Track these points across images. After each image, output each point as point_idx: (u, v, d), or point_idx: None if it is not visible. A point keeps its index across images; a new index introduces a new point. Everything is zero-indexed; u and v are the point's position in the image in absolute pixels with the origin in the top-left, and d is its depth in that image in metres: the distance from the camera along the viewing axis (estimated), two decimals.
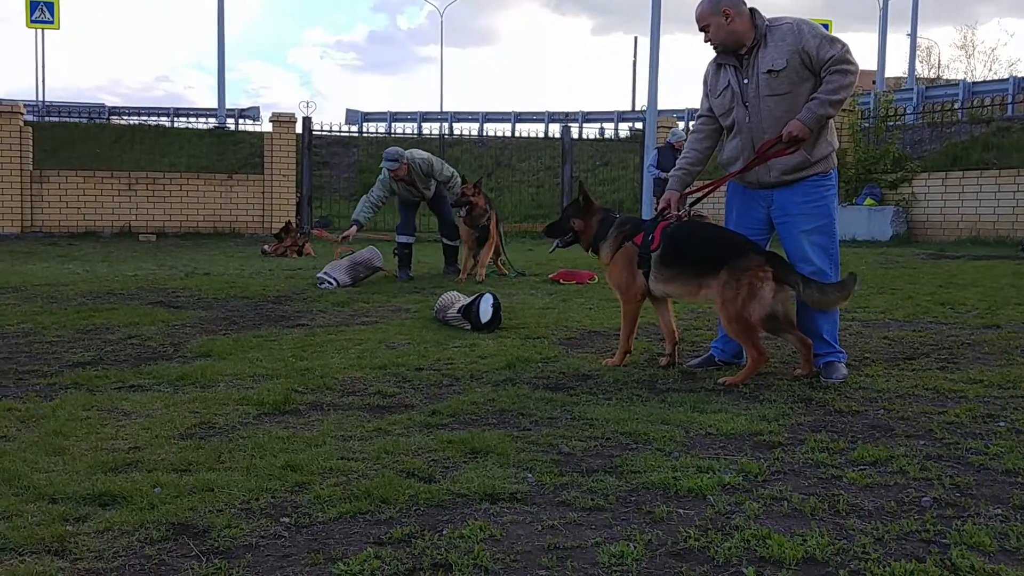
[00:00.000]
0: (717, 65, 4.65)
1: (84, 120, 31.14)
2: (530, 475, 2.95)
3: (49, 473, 2.96)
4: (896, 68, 49.20)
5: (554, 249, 5.19)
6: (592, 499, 2.72)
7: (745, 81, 4.50)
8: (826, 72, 4.35)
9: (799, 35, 4.38)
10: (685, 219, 4.75)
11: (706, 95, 4.75)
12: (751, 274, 4.31)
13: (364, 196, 9.75)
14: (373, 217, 9.79)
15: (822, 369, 4.51)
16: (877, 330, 5.96)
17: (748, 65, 4.49)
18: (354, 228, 9.62)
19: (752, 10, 4.49)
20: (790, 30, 4.41)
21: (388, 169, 9.36)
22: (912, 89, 28.41)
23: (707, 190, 4.90)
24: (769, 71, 4.40)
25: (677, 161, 4.90)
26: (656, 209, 4.88)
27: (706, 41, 4.56)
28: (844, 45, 4.37)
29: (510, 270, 10.12)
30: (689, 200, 4.94)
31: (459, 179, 9.71)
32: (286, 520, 2.57)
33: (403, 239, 9.64)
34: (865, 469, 3.00)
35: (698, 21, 4.55)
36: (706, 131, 4.79)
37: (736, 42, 4.48)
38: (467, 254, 9.51)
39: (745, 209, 4.72)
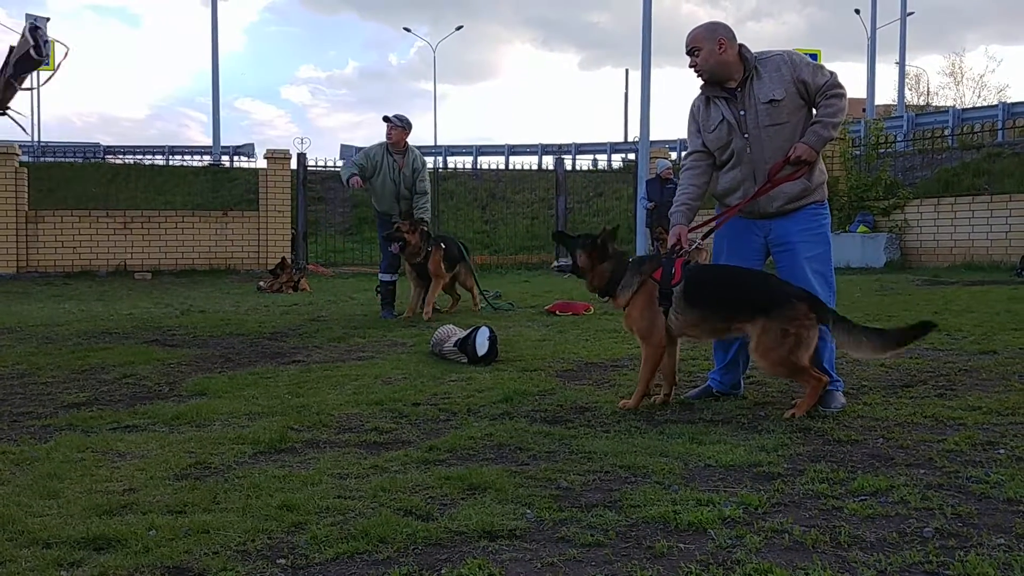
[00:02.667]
0: (706, 99, 4.67)
1: (79, 159, 31.25)
2: (529, 511, 2.92)
3: (43, 517, 2.92)
4: (885, 96, 49.60)
5: (556, 267, 5.03)
6: (592, 535, 2.70)
7: (742, 112, 4.53)
8: (822, 98, 4.44)
9: (794, 66, 4.47)
10: (696, 250, 4.72)
11: (696, 132, 4.75)
12: (798, 323, 4.18)
13: (344, 168, 9.38)
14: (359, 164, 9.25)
15: (820, 398, 4.49)
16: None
17: (743, 96, 4.52)
18: (356, 179, 9.11)
19: (740, 45, 4.54)
20: (783, 61, 4.49)
21: (393, 123, 9.11)
22: (902, 117, 28.65)
23: (720, 220, 4.74)
24: (771, 101, 4.45)
25: (675, 197, 4.82)
26: (666, 245, 4.78)
27: (691, 66, 4.58)
28: (833, 72, 4.51)
29: (483, 303, 10.04)
30: (700, 233, 4.84)
31: (428, 206, 9.47)
32: (282, 562, 2.54)
33: (385, 278, 9.43)
34: (866, 499, 2.98)
35: (689, 43, 4.56)
36: (700, 167, 4.75)
37: (722, 73, 4.52)
38: (413, 293, 9.27)
39: (740, 239, 4.73)
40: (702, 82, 4.63)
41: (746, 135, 4.54)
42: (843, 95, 4.47)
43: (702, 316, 4.42)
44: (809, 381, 4.25)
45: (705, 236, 4.85)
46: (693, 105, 4.77)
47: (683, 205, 4.74)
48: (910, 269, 16.09)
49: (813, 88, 4.44)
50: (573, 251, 4.73)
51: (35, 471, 3.49)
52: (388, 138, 9.17)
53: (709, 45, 4.49)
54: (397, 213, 9.27)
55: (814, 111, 4.53)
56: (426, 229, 9.05)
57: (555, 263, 5.01)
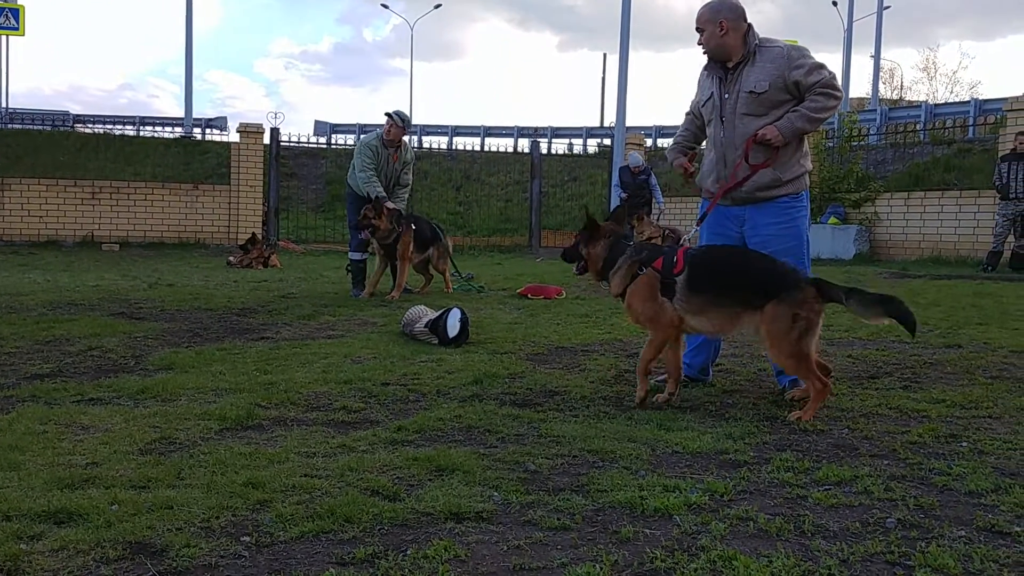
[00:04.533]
0: (707, 73, 4.71)
1: (48, 127, 30.73)
2: (496, 493, 2.92)
3: (3, 489, 2.88)
4: (860, 89, 50.04)
5: (576, 272, 4.68)
6: (558, 518, 2.70)
7: (726, 96, 4.54)
8: (811, 92, 4.42)
9: (787, 61, 4.43)
10: (657, 230, 4.73)
11: (698, 97, 4.83)
12: (808, 307, 4.02)
13: (360, 174, 9.06)
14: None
15: (787, 387, 4.53)
16: (841, 348, 6.01)
17: (731, 80, 4.53)
18: (389, 203, 9.00)
19: (749, 26, 4.53)
20: (780, 54, 4.46)
21: (389, 117, 9.05)
22: (875, 110, 28.86)
23: (709, 207, 4.69)
24: (751, 92, 4.45)
25: (674, 138, 4.96)
26: (640, 232, 4.81)
27: (699, 43, 4.61)
28: (831, 73, 4.47)
29: (456, 284, 10.05)
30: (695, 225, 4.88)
31: (407, 197, 9.52)
32: (247, 539, 2.52)
33: (355, 256, 9.40)
34: (830, 489, 3.00)
35: (696, 22, 4.59)
36: (694, 125, 4.88)
37: (723, 55, 4.54)
38: (377, 266, 9.28)
39: (718, 228, 4.74)
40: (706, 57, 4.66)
41: (723, 119, 4.55)
42: (834, 95, 4.43)
43: (708, 301, 4.20)
44: (814, 383, 4.05)
45: (700, 221, 4.81)
46: (701, 71, 4.80)
47: (680, 144, 4.88)
48: (879, 261, 16.25)
49: (804, 87, 4.42)
50: (577, 249, 4.57)
51: None
52: (387, 133, 9.12)
53: (711, 27, 4.50)
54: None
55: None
56: (393, 207, 8.99)
57: (575, 267, 4.73)
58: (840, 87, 4.51)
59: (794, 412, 4.07)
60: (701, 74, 4.79)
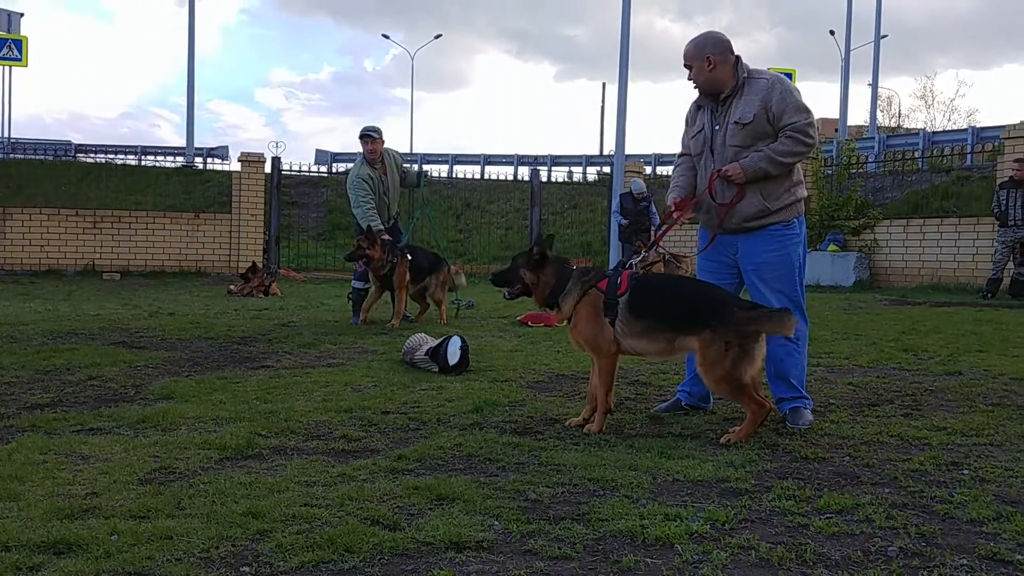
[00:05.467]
0: (697, 106, 4.73)
1: (50, 157, 30.86)
2: (496, 522, 2.91)
3: (3, 520, 2.87)
4: (858, 117, 50.32)
5: (507, 297, 4.71)
6: (559, 548, 2.69)
7: (716, 128, 4.57)
8: (783, 134, 4.41)
9: (770, 92, 4.43)
10: (660, 256, 4.75)
11: (687, 133, 4.83)
12: (741, 333, 4.08)
13: (356, 210, 9.13)
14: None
15: (788, 415, 4.53)
16: (842, 375, 6.01)
17: (722, 112, 4.55)
18: (385, 236, 9.06)
19: (737, 58, 4.55)
20: (766, 86, 4.46)
21: (368, 135, 9.09)
22: (874, 138, 28.98)
23: (707, 246, 4.74)
24: (737, 122, 4.47)
25: (672, 183, 4.89)
26: (667, 209, 4.80)
27: (689, 79, 4.63)
28: (809, 118, 4.43)
29: (451, 309, 10.03)
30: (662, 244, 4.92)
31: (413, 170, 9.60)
32: (246, 570, 2.51)
33: (358, 284, 9.40)
34: (832, 517, 3.00)
35: (684, 59, 4.60)
36: (689, 166, 4.82)
37: (713, 88, 4.55)
38: (371, 294, 9.23)
39: (713, 255, 4.76)
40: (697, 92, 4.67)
41: (713, 151, 4.58)
42: (803, 141, 4.39)
43: (648, 327, 4.27)
44: (749, 406, 4.13)
45: (657, 241, 4.88)
46: (689, 107, 4.81)
47: (679, 188, 4.80)
48: (878, 288, 16.26)
49: (778, 124, 4.41)
50: (516, 273, 4.55)
51: None
52: (370, 154, 9.15)
53: (698, 63, 4.52)
54: (386, 219, 9.30)
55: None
56: (388, 239, 9.02)
57: (505, 292, 4.75)
58: (815, 135, 4.45)
59: (724, 435, 4.15)
60: (690, 110, 4.79)
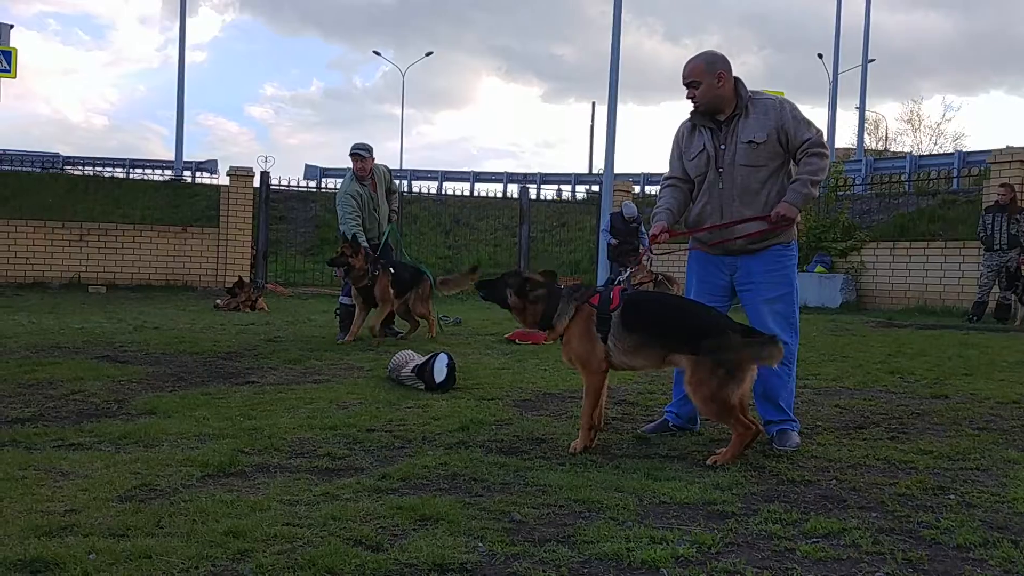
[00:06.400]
0: (692, 126, 4.70)
1: (38, 169, 30.73)
2: (481, 544, 2.88)
3: None
4: (845, 139, 50.54)
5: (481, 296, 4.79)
6: (544, 570, 2.66)
7: (722, 147, 4.55)
8: (803, 154, 4.45)
9: (781, 113, 4.47)
10: (651, 276, 4.76)
11: (678, 157, 4.77)
12: (730, 354, 4.09)
13: (345, 225, 9.13)
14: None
15: (775, 437, 4.51)
16: (828, 398, 6.00)
17: (727, 132, 4.54)
18: (366, 246, 9.07)
19: (736, 79, 4.55)
20: (773, 106, 4.50)
21: (358, 154, 9.10)
22: (861, 160, 29.16)
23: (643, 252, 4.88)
24: (750, 142, 4.47)
25: (657, 204, 4.86)
26: (647, 240, 4.87)
27: (689, 97, 4.57)
28: (818, 130, 4.53)
29: (439, 330, 9.91)
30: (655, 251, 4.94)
31: (397, 205, 9.71)
32: None
33: (346, 300, 9.35)
34: (818, 542, 2.98)
35: (687, 76, 4.53)
36: (679, 189, 4.78)
37: (717, 106, 4.53)
38: (357, 315, 9.11)
39: (707, 275, 4.75)
40: (692, 110, 4.64)
41: (720, 170, 4.57)
42: (824, 155, 4.49)
43: (640, 342, 4.27)
44: (736, 428, 4.13)
45: (640, 260, 4.92)
46: (678, 130, 4.79)
47: (666, 210, 4.76)
48: (865, 311, 16.32)
49: (794, 142, 4.45)
50: (501, 292, 4.54)
51: None
52: (361, 171, 9.17)
53: (708, 79, 4.48)
54: (375, 235, 9.31)
55: (794, 167, 4.55)
56: (370, 253, 9.00)
57: (480, 294, 4.76)
58: (826, 144, 4.56)
59: (711, 456, 4.14)
60: (680, 132, 4.75)
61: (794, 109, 4.54)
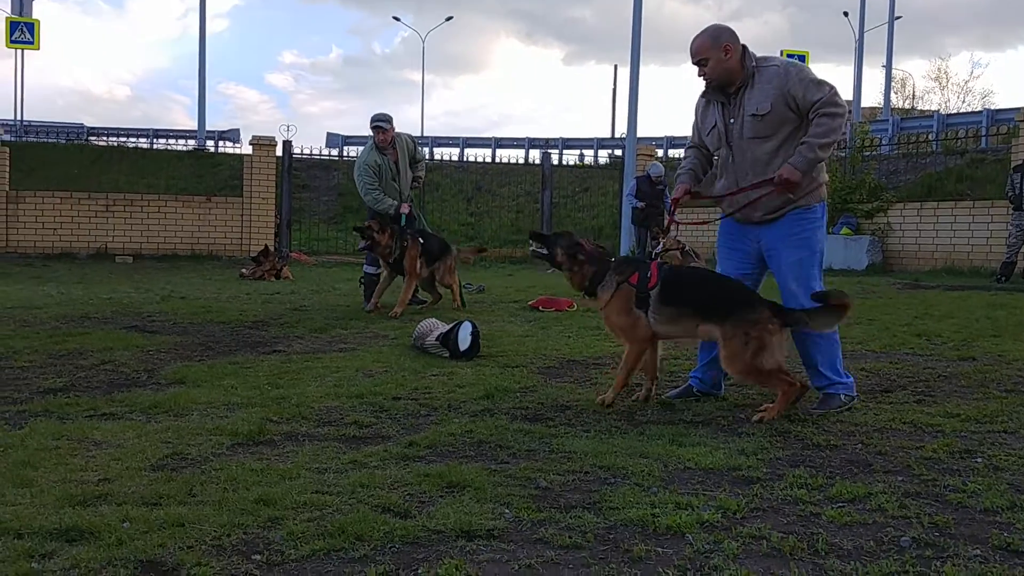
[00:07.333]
0: (707, 101, 4.66)
1: (63, 140, 30.96)
2: (507, 511, 2.91)
3: (16, 506, 2.89)
4: (871, 99, 49.78)
5: (532, 251, 5.01)
6: (570, 536, 2.69)
7: (731, 121, 4.51)
8: (814, 115, 4.34)
9: (786, 78, 4.36)
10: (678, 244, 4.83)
11: (697, 129, 4.78)
12: (760, 327, 4.24)
13: (368, 196, 9.16)
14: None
15: (821, 399, 4.51)
16: (854, 361, 5.96)
17: (735, 105, 4.49)
18: (404, 205, 9.14)
19: (743, 47, 4.48)
20: (776, 73, 4.40)
21: (379, 126, 9.08)
22: (887, 120, 28.81)
23: (669, 221, 4.89)
24: (754, 114, 4.41)
25: (681, 165, 4.89)
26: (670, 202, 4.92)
27: (700, 75, 4.52)
28: (831, 88, 4.36)
29: (462, 303, 9.65)
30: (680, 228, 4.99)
31: (422, 173, 9.64)
32: (258, 558, 2.51)
33: (370, 269, 9.38)
34: (844, 506, 2.98)
35: (695, 55, 4.48)
36: (701, 156, 4.80)
37: (728, 80, 4.47)
38: (382, 280, 9.09)
39: (735, 243, 4.74)
40: (705, 87, 4.60)
41: (731, 145, 4.53)
42: (836, 114, 4.33)
43: (677, 314, 4.46)
44: (780, 386, 4.29)
45: (668, 226, 4.97)
46: (696, 103, 4.76)
47: (688, 171, 4.81)
48: (891, 272, 16.18)
49: (804, 104, 4.34)
50: (553, 247, 4.76)
51: (8, 458, 3.44)
52: (383, 142, 9.13)
53: (716, 54, 4.42)
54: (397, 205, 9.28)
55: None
56: (400, 227, 8.93)
57: (531, 247, 5.04)
58: (841, 101, 4.40)
59: (757, 413, 4.30)
60: (698, 104, 4.74)
61: (801, 71, 4.41)
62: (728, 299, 4.38)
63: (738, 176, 4.55)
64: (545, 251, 4.79)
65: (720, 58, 4.42)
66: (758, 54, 4.53)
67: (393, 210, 9.02)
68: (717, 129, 4.58)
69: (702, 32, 4.52)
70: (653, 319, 4.47)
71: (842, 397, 4.49)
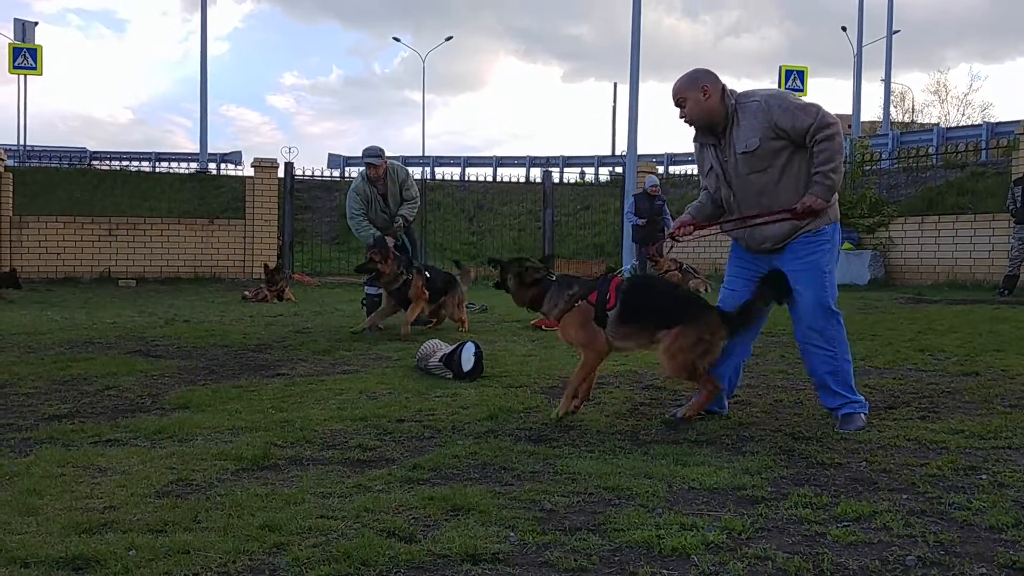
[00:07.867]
0: (700, 145, 4.70)
1: (65, 164, 31.09)
2: (512, 534, 2.91)
3: (22, 535, 2.89)
4: (871, 113, 49.94)
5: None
6: (575, 559, 2.69)
7: (726, 160, 4.54)
8: (813, 143, 4.34)
9: (768, 111, 4.36)
10: (676, 264, 4.91)
11: (700, 171, 4.85)
12: (712, 333, 4.51)
13: (352, 221, 9.37)
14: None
15: (838, 420, 4.50)
16: (858, 378, 5.91)
17: (725, 145, 4.52)
18: (390, 238, 9.12)
19: (723, 87, 4.50)
20: (759, 107, 4.40)
21: (370, 163, 9.19)
22: (887, 134, 28.87)
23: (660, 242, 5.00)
24: (744, 152, 4.43)
25: (698, 200, 4.89)
26: (658, 265, 5.04)
27: (681, 117, 4.56)
28: (817, 109, 4.37)
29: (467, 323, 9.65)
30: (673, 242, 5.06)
31: (413, 210, 9.61)
32: None
33: (371, 291, 9.41)
34: (849, 525, 2.98)
35: (675, 96, 4.53)
36: (710, 197, 4.79)
37: (710, 120, 4.50)
38: (383, 305, 8.99)
39: (746, 264, 4.76)
40: (693, 129, 4.63)
41: (730, 184, 4.56)
42: (832, 135, 4.32)
43: (633, 330, 4.67)
44: (706, 385, 4.58)
45: (661, 244, 5.14)
46: (694, 147, 4.80)
47: (696, 206, 4.85)
48: (894, 287, 16.18)
49: (796, 134, 4.34)
50: (504, 274, 5.14)
51: (14, 486, 3.45)
52: (374, 176, 9.26)
53: (693, 94, 4.46)
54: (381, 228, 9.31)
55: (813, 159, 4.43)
56: (399, 254, 8.85)
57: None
58: (832, 118, 4.36)
59: (681, 410, 4.69)
60: (695, 147, 4.78)
61: (783, 101, 4.40)
62: (683, 306, 4.65)
63: (743, 211, 4.58)
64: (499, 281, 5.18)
65: (698, 99, 4.46)
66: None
67: (372, 240, 9.03)
68: (715, 171, 4.61)
69: (681, 75, 4.57)
70: (611, 335, 4.68)
71: (863, 416, 4.49)
